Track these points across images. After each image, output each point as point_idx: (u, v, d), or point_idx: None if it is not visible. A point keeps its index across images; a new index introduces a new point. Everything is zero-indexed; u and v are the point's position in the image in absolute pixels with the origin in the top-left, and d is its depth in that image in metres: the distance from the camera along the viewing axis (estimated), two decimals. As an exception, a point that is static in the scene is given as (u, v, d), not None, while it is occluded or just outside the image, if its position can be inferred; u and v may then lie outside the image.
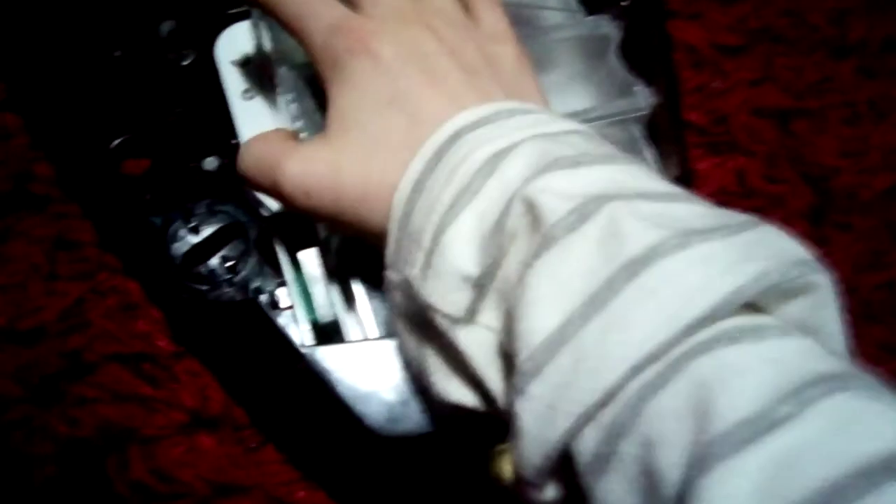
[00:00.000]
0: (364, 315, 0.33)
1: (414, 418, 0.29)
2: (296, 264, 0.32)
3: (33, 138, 0.40)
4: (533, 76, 0.31)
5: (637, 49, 0.39)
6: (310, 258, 0.31)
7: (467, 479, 0.32)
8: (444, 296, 0.26)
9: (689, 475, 0.20)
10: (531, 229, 0.25)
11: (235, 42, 0.34)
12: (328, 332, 0.32)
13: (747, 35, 0.48)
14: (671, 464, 0.20)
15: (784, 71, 0.47)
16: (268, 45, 0.33)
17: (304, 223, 0.32)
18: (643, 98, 0.37)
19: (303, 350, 0.30)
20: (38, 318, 0.39)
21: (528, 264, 0.24)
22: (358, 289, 0.33)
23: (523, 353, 0.23)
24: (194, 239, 0.35)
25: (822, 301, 0.23)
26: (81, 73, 0.38)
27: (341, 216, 0.29)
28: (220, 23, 0.34)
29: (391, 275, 0.28)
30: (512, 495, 0.26)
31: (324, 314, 0.31)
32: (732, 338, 0.21)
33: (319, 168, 0.29)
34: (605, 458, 0.22)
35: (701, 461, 0.19)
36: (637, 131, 0.38)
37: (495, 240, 0.25)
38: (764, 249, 0.23)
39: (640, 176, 0.26)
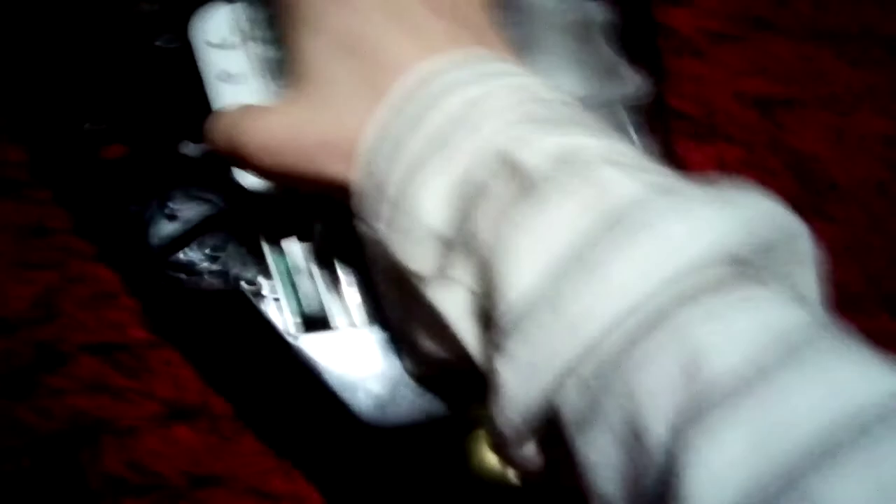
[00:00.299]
0: (350, 301, 0.34)
1: (403, 407, 0.30)
2: (279, 251, 0.32)
3: (3, 121, 0.40)
4: (494, 27, 0.31)
5: (625, 34, 0.39)
6: (294, 245, 0.31)
7: (455, 469, 0.33)
8: (413, 252, 0.26)
9: (679, 428, 0.20)
10: (506, 181, 0.24)
11: (212, 23, 0.34)
12: (313, 320, 0.33)
13: (733, 22, 0.49)
14: (658, 417, 0.20)
15: (769, 58, 0.49)
16: (246, 25, 0.33)
17: (287, 209, 0.33)
18: (631, 83, 0.38)
19: (288, 338, 0.30)
20: (9, 307, 0.39)
21: (503, 217, 0.24)
22: (343, 275, 0.34)
23: (502, 310, 0.23)
24: (173, 226, 0.35)
25: (801, 257, 0.24)
26: (55, 54, 0.38)
27: (306, 174, 0.28)
28: (201, 2, 0.34)
29: (361, 228, 0.27)
30: (491, 482, 0.27)
31: (309, 302, 0.31)
32: (716, 288, 0.21)
33: (280, 129, 0.28)
34: (588, 412, 0.22)
35: (692, 413, 0.20)
36: (624, 116, 0.38)
37: (465, 192, 0.25)
38: (745, 203, 0.23)
39: (618, 142, 0.26)
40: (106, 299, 0.40)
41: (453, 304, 0.26)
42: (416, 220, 0.25)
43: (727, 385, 0.20)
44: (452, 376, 0.29)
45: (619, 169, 0.23)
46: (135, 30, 0.37)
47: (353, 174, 0.27)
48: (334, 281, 0.34)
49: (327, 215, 0.31)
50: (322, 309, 0.32)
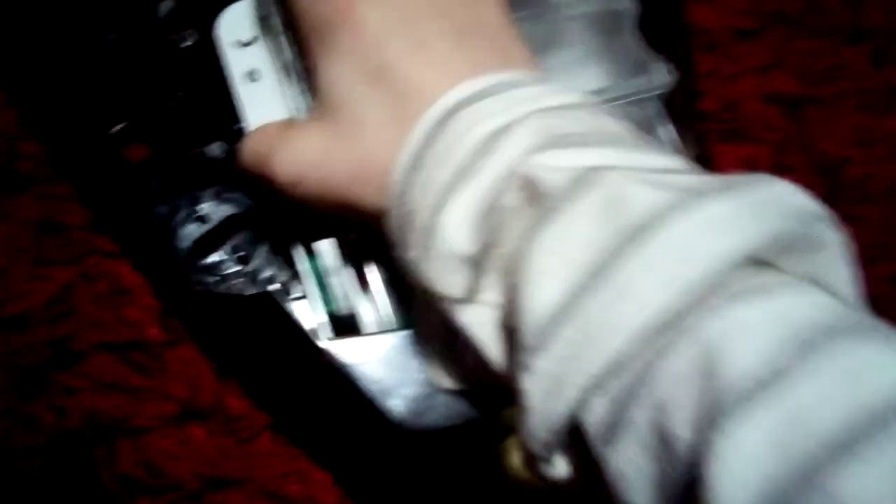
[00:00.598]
0: (381, 305, 0.34)
1: (437, 411, 0.31)
2: (310, 253, 0.33)
3: (21, 115, 0.40)
4: (518, 38, 0.31)
5: (652, 26, 0.39)
6: (327, 248, 0.32)
7: (490, 473, 0.34)
8: (443, 277, 0.27)
9: (702, 434, 0.21)
10: (529, 204, 0.25)
11: (237, 21, 0.35)
12: (344, 324, 0.33)
13: (760, 18, 0.49)
14: (683, 425, 0.21)
15: (796, 56, 0.49)
16: (277, 23, 0.34)
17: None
18: (660, 76, 0.38)
19: (322, 343, 0.31)
20: (24, 304, 0.40)
21: (528, 238, 0.25)
22: (374, 277, 0.34)
23: (528, 329, 0.24)
24: (202, 228, 0.35)
25: (832, 256, 0.24)
26: (76, 51, 0.38)
27: (336, 201, 0.29)
28: (222, 1, 0.35)
29: (397, 254, 0.29)
30: (523, 488, 0.28)
31: (342, 306, 0.32)
32: (739, 297, 0.22)
33: (308, 155, 0.29)
34: (616, 426, 0.23)
35: (712, 419, 0.20)
36: (654, 110, 0.39)
37: (492, 218, 0.26)
38: (772, 206, 0.23)
39: (645, 152, 0.26)
40: (123, 297, 0.40)
41: (482, 326, 0.27)
42: (444, 246, 0.27)
43: (743, 389, 0.20)
44: (484, 389, 0.30)
45: (637, 180, 0.24)
46: (156, 29, 0.37)
47: (385, 204, 0.28)
48: (365, 284, 0.34)
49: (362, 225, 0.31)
50: (353, 312, 0.33)
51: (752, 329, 0.22)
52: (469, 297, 0.27)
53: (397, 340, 0.32)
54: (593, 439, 0.24)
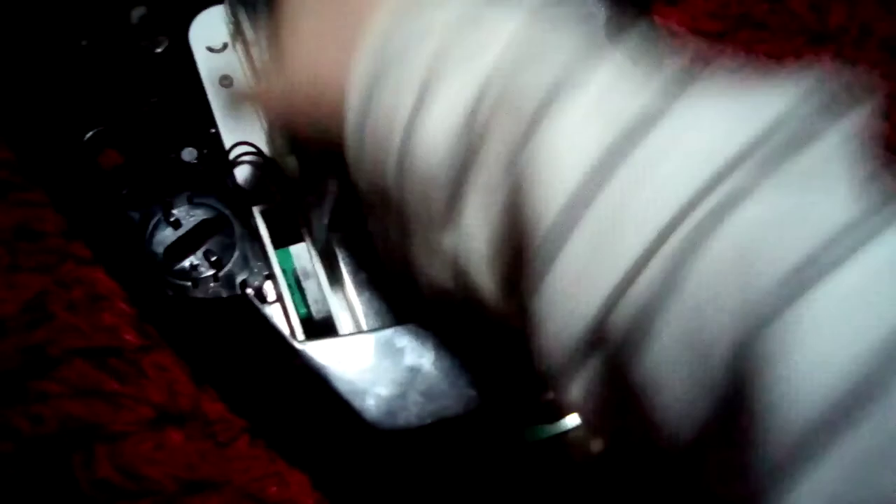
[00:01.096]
0: (355, 306, 0.35)
1: (412, 411, 0.31)
2: (284, 257, 0.34)
3: (-7, 123, 0.40)
4: None
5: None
6: (301, 251, 0.33)
7: (466, 471, 0.34)
8: (422, 199, 0.26)
9: (749, 337, 0.19)
10: (514, 110, 0.25)
11: (210, 27, 0.35)
12: (318, 326, 0.34)
13: (728, 21, 0.50)
14: (723, 327, 0.20)
15: (764, 58, 0.50)
16: (247, 28, 0.34)
17: (290, 215, 0.34)
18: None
19: (296, 345, 0.31)
20: (-1, 311, 0.40)
21: (520, 149, 0.24)
22: (348, 280, 0.35)
23: (540, 234, 0.23)
24: (175, 233, 0.36)
25: (835, 148, 0.23)
26: (48, 57, 0.39)
27: (305, 126, 0.30)
28: (194, 7, 0.35)
29: (360, 184, 0.28)
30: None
31: (316, 308, 0.33)
32: (768, 183, 0.21)
33: (275, 90, 0.30)
34: (646, 327, 0.22)
35: (761, 319, 0.19)
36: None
37: (471, 130, 0.25)
38: (779, 94, 0.23)
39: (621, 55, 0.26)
40: (99, 303, 0.40)
41: (466, 249, 0.26)
42: (425, 162, 0.26)
43: (788, 288, 0.19)
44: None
45: (632, 81, 0.24)
46: (128, 35, 0.38)
47: (349, 116, 0.27)
48: (340, 285, 0.35)
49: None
50: (327, 314, 0.34)
51: (782, 223, 0.21)
52: (451, 220, 0.26)
53: (370, 341, 0.33)
54: (621, 343, 0.22)
